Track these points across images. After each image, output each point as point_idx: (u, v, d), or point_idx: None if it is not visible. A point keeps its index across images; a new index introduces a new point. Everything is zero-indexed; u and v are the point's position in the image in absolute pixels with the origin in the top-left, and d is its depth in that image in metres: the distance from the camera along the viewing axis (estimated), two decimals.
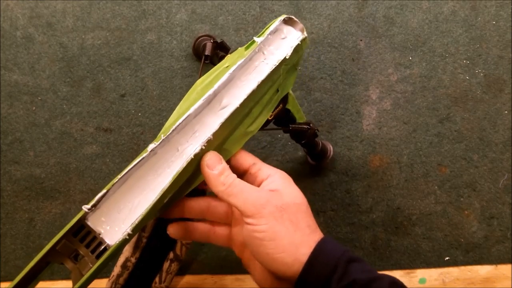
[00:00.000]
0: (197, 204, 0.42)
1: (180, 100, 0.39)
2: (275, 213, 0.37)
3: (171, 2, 0.69)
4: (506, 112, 0.62)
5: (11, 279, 0.62)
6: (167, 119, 0.37)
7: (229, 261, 0.60)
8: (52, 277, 0.61)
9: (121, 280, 0.49)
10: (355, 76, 0.65)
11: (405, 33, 0.66)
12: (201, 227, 0.43)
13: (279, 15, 0.41)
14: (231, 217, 0.43)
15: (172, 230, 0.42)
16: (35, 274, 0.30)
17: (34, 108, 0.67)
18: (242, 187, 0.38)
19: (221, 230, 0.42)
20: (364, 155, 0.62)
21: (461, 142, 0.62)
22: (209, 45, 0.60)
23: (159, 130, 0.35)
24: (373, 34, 0.66)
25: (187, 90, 0.39)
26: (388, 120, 0.63)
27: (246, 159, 0.42)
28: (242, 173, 0.43)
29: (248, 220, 0.37)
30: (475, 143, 0.61)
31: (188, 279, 0.59)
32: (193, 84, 0.40)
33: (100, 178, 0.64)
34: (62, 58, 0.68)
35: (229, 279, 0.59)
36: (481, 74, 0.64)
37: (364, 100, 0.64)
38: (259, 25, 0.68)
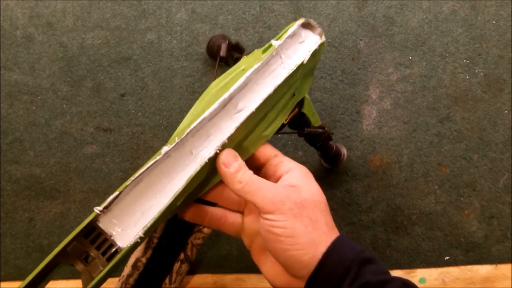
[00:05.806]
0: (213, 188, 0.41)
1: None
2: (294, 210, 0.37)
3: (171, 1, 0.69)
4: (506, 112, 0.62)
5: (11, 279, 0.62)
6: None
7: (229, 261, 0.60)
8: (52, 277, 0.61)
9: (131, 280, 0.49)
10: (355, 76, 0.65)
11: (405, 33, 0.66)
12: (214, 211, 0.42)
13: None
14: (244, 205, 0.42)
15: (185, 211, 0.41)
16: (45, 275, 0.30)
17: (34, 108, 0.67)
18: (259, 184, 0.37)
19: (232, 218, 0.42)
20: (364, 155, 0.62)
21: (461, 142, 0.62)
22: (223, 47, 0.59)
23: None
24: (373, 34, 0.66)
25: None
26: (388, 119, 0.63)
27: (268, 150, 0.41)
28: (262, 164, 0.42)
29: (267, 216, 0.37)
30: (475, 143, 0.61)
31: (188, 279, 0.59)
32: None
33: (100, 178, 0.64)
34: (62, 58, 0.68)
35: (229, 278, 0.59)
36: (481, 74, 0.64)
37: (364, 100, 0.64)
38: (259, 25, 0.68)
